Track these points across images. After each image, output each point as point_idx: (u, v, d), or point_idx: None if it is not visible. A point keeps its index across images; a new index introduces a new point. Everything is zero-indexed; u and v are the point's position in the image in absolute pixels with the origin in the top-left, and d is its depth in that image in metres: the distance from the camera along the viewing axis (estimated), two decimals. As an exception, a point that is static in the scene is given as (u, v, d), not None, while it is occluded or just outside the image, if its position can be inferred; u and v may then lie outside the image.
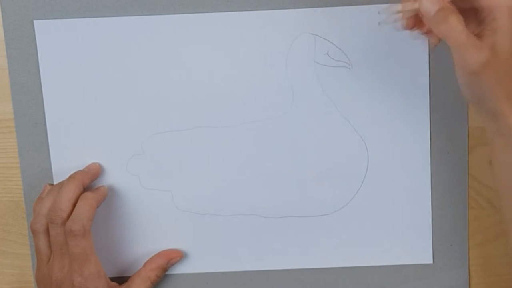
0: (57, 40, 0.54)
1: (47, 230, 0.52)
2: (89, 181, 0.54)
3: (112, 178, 0.56)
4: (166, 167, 0.56)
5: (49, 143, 0.55)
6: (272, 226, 0.56)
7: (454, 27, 0.44)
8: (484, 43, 0.44)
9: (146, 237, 0.56)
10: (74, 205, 0.52)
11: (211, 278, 0.57)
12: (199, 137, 0.55)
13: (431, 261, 0.56)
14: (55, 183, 0.55)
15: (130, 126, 0.55)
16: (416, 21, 0.48)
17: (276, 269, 0.57)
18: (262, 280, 0.57)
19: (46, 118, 0.55)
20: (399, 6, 0.47)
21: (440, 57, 0.54)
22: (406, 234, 0.56)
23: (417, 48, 0.54)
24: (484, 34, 0.44)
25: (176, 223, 0.56)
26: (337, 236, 0.56)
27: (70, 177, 0.53)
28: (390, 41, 0.54)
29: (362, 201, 0.56)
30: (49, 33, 0.54)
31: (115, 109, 0.55)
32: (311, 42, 0.54)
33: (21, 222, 0.57)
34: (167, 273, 0.57)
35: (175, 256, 0.56)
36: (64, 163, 0.55)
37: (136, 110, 0.55)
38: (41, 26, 0.54)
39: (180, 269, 0.57)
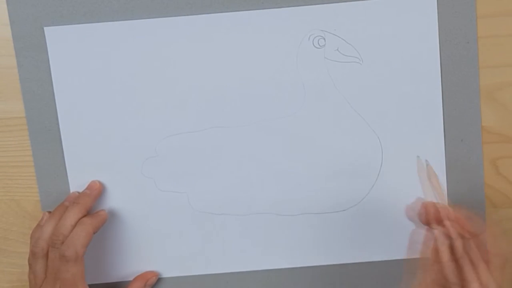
0: (68, 46, 0.54)
1: (47, 255, 0.52)
2: (92, 204, 0.55)
3: (127, 181, 0.56)
4: (180, 168, 0.56)
5: (64, 150, 0.55)
6: (289, 224, 0.56)
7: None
8: None
9: (163, 239, 0.56)
10: None
11: (230, 278, 0.57)
12: (212, 137, 0.55)
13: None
14: (71, 190, 0.56)
15: (143, 129, 0.55)
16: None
17: (295, 266, 0.57)
18: (280, 278, 0.57)
19: (60, 124, 0.55)
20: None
21: (451, 50, 0.54)
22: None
23: (427, 42, 0.54)
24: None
25: (193, 224, 0.56)
26: (353, 231, 0.56)
27: (74, 202, 0.53)
28: (400, 35, 0.54)
29: (378, 196, 0.56)
30: (60, 39, 0.54)
31: (128, 113, 0.55)
32: (321, 38, 0.54)
33: (21, 221, 0.57)
34: (186, 274, 0.57)
35: (151, 277, 0.57)
36: (79, 168, 0.55)
37: (149, 113, 0.55)
38: (51, 33, 0.54)
39: (199, 270, 0.57)
